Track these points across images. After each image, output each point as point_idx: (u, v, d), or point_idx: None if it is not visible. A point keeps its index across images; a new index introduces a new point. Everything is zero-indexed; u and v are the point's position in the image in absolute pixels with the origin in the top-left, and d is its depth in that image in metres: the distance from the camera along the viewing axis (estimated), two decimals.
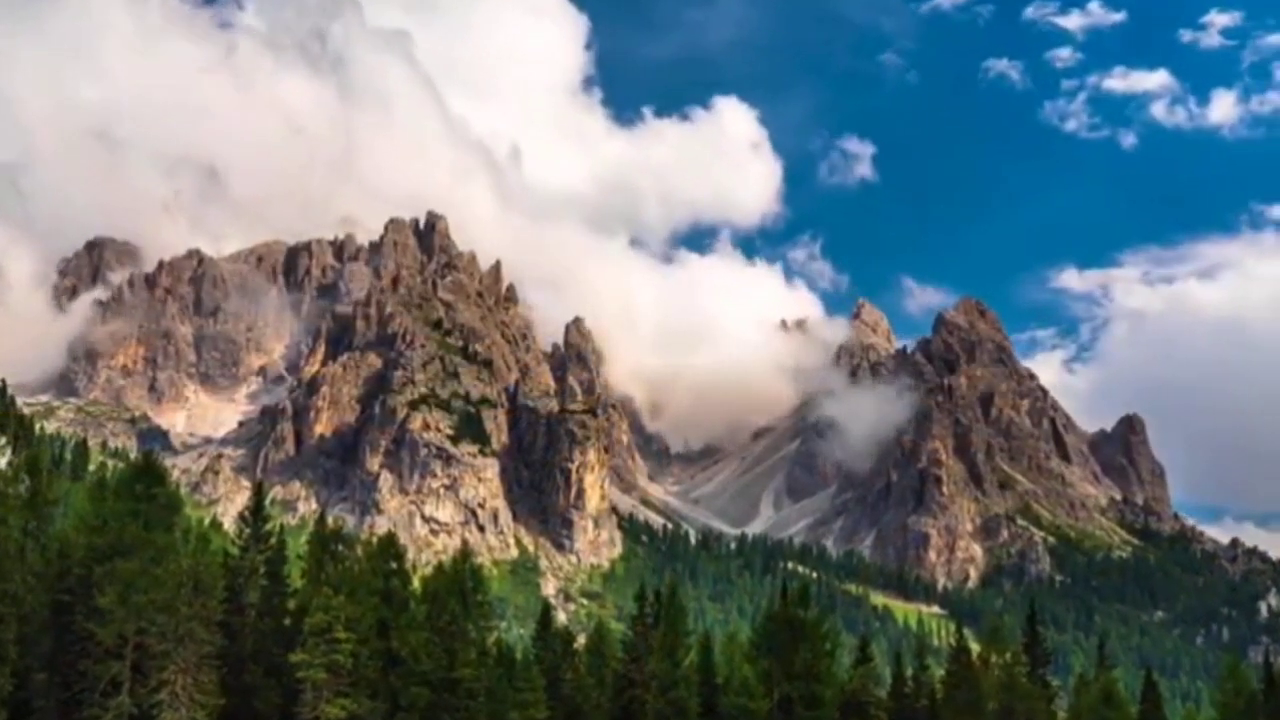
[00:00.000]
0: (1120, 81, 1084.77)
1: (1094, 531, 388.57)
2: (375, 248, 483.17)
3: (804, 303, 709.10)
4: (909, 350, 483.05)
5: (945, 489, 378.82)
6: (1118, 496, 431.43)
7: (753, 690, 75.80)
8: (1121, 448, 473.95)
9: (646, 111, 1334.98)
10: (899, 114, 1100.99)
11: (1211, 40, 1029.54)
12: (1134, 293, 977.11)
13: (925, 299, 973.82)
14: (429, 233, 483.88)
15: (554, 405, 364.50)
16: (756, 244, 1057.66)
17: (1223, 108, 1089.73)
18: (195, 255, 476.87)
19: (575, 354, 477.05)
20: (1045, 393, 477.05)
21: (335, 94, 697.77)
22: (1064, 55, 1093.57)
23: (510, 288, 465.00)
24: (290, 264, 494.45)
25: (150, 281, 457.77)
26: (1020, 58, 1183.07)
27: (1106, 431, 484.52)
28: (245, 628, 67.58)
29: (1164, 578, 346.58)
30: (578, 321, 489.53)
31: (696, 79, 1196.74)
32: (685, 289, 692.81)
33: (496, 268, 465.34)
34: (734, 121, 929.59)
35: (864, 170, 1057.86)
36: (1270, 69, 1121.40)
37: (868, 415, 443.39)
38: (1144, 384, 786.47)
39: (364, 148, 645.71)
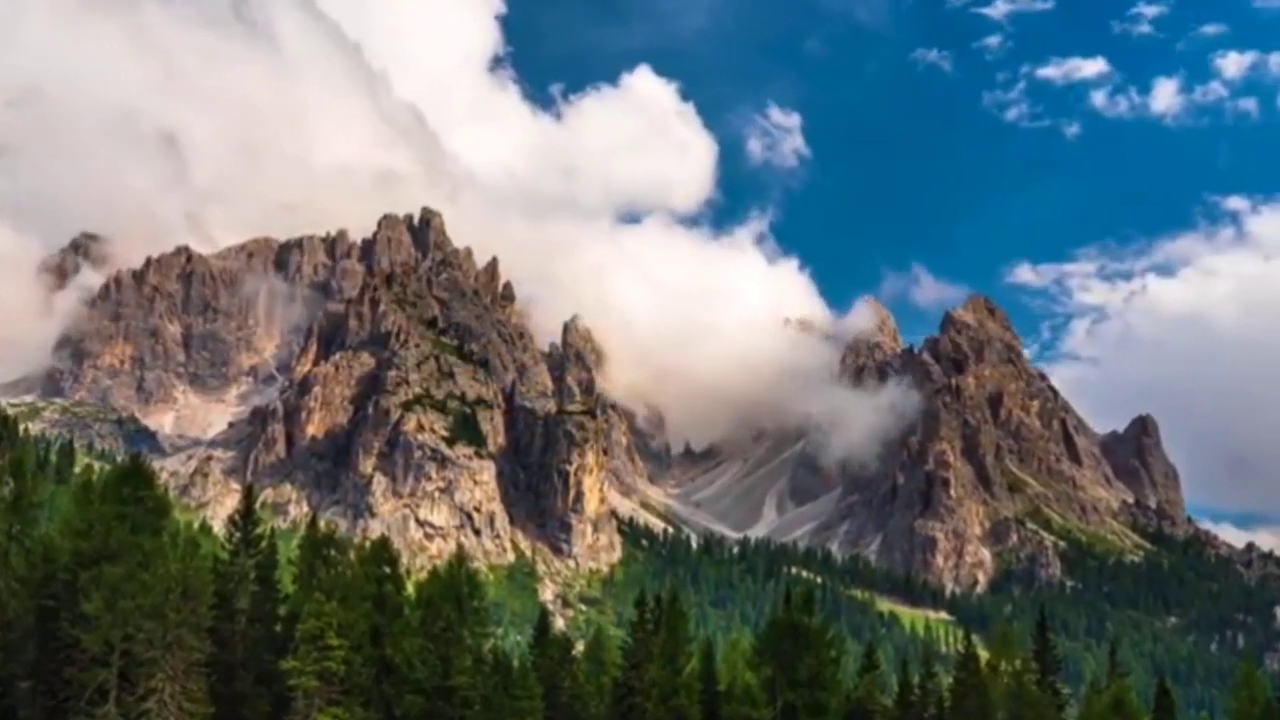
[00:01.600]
0: (1056, 70, 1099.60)
1: (1105, 535, 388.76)
2: (368, 245, 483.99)
3: (788, 277, 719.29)
4: (916, 349, 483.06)
5: (953, 492, 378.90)
6: (1130, 499, 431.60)
7: (755, 698, 75.79)
8: (1134, 449, 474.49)
9: (562, 87, 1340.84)
10: (832, 105, 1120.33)
11: (1144, 29, 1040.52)
12: (1092, 289, 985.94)
13: (888, 292, 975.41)
14: (423, 229, 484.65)
15: (552, 406, 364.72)
16: (701, 222, 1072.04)
17: (1164, 97, 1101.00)
18: (184, 252, 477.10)
19: (574, 354, 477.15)
20: (1055, 393, 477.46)
21: (263, 63, 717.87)
22: (993, 44, 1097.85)
23: (507, 285, 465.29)
24: (281, 261, 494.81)
25: (138, 279, 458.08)
26: (949, 48, 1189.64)
27: (1118, 433, 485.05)
28: (235, 634, 67.55)
29: (1177, 583, 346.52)
30: (575, 320, 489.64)
31: (612, 53, 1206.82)
32: (673, 279, 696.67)
33: (492, 265, 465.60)
34: (655, 95, 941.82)
35: (802, 160, 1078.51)
36: (1207, 60, 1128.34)
37: (873, 416, 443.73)
38: (1119, 383, 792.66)
39: (298, 118, 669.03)
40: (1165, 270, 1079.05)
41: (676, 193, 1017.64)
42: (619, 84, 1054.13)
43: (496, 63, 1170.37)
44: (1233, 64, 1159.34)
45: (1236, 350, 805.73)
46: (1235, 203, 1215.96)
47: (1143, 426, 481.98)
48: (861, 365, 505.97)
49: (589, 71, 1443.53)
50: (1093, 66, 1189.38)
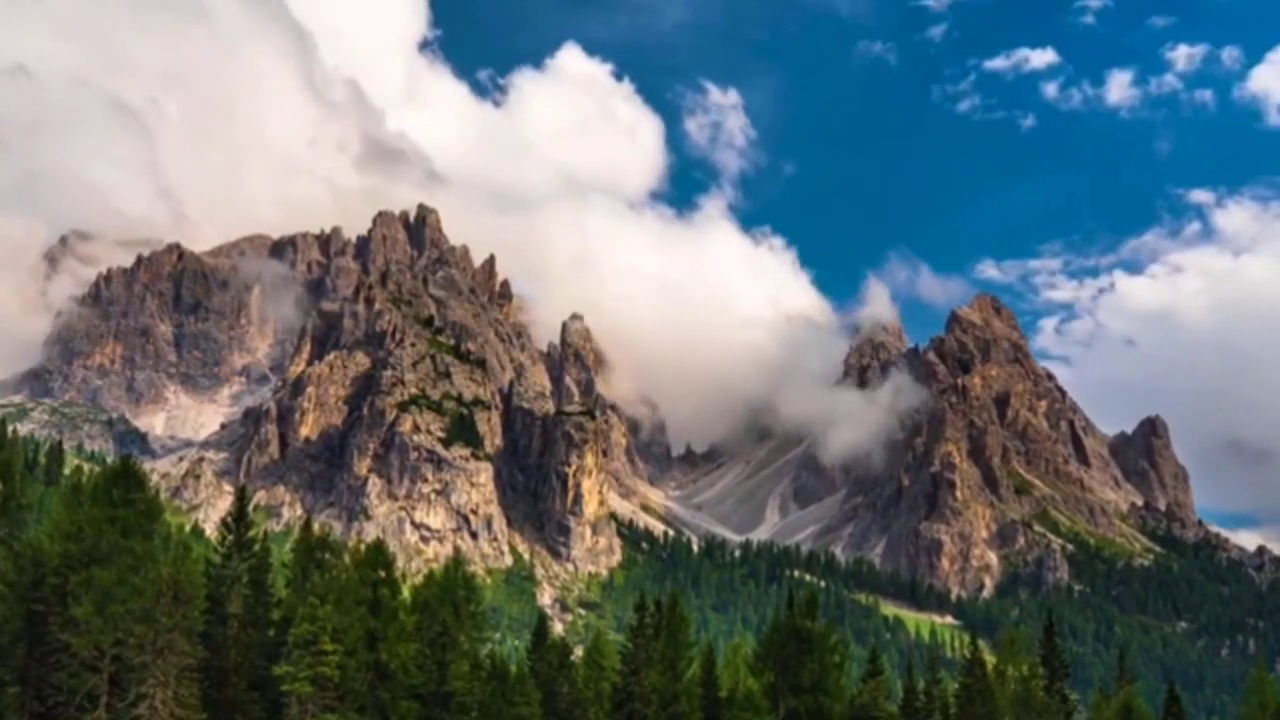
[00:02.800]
0: (1005, 62, 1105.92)
1: (1114, 538, 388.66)
2: (363, 242, 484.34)
3: (769, 255, 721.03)
4: (921, 349, 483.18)
5: (959, 494, 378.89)
6: (1139, 502, 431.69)
7: (757, 704, 75.80)
8: (1143, 451, 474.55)
9: (491, 71, 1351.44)
10: (774, 91, 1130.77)
11: (1089, 20, 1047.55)
12: (1059, 286, 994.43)
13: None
14: (419, 226, 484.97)
15: (550, 407, 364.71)
16: (664, 203, 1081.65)
17: (1118, 89, 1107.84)
18: (175, 249, 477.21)
19: (572, 354, 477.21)
20: (1064, 394, 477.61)
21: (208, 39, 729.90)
22: (936, 33, 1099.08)
23: (504, 284, 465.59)
24: (275, 259, 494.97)
25: (129, 277, 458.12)
26: (892, 39, 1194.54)
27: (1127, 434, 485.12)
28: (227, 639, 67.53)
29: (1187, 587, 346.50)
30: (575, 319, 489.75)
31: (539, 33, 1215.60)
32: (660, 268, 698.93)
33: (490, 263, 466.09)
34: (591, 76, 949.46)
35: (751, 142, 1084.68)
36: (1159, 52, 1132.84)
37: (878, 416, 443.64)
38: (1089, 382, 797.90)
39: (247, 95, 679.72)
40: (1132, 267, 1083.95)
41: (631, 175, 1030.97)
42: (550, 65, 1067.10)
43: (425, 45, 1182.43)
44: (1184, 56, 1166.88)
45: (1209, 348, 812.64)
46: (1200, 196, 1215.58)
47: (1152, 428, 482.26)
48: (866, 365, 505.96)
49: (518, 52, 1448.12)
50: (1042, 57, 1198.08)
